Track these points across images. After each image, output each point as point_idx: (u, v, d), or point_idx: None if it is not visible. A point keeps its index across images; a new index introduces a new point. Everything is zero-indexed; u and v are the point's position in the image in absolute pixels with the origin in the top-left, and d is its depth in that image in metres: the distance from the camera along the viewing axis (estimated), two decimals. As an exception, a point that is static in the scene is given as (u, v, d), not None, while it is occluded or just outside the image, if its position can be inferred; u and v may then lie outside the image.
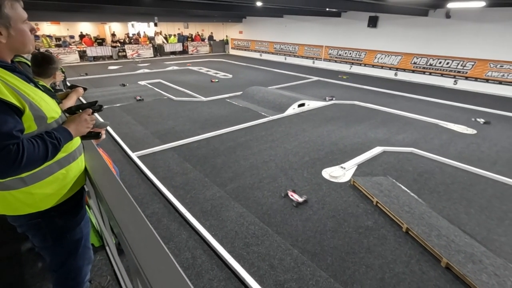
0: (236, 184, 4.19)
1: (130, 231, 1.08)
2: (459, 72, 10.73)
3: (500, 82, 9.82)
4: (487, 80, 10.12)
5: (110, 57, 17.82)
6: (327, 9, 11.76)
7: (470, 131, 6.38)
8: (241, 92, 9.13)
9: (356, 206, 3.72)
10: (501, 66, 9.71)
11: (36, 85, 1.38)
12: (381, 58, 12.94)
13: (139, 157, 4.91)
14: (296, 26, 16.28)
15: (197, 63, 16.64)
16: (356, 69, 13.97)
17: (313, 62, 15.94)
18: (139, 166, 4.61)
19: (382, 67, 13.01)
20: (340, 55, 14.56)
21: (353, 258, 2.90)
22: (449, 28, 10.58)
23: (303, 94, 8.96)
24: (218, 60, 17.92)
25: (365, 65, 13.63)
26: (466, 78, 10.58)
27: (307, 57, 16.27)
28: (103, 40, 18.97)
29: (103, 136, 1.80)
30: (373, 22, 12.59)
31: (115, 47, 18.04)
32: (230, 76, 12.61)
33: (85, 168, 1.58)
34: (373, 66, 13.33)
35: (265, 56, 18.88)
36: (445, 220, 3.39)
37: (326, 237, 3.18)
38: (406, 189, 4.06)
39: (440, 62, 11.14)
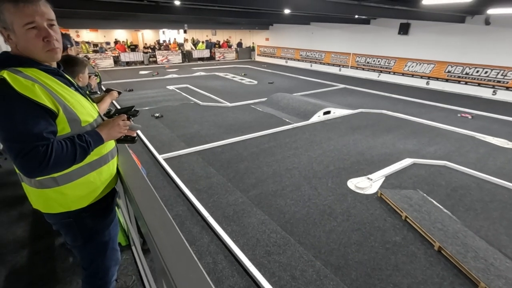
0: (258, 190, 4.16)
1: (158, 232, 1.09)
2: (499, 82, 10.05)
3: (546, 94, 9.08)
4: (531, 91, 9.39)
5: (142, 63, 18.66)
6: (356, 16, 11.55)
7: (511, 144, 5.92)
8: (266, 99, 9.15)
9: (384, 220, 3.55)
10: (547, 76, 8.98)
11: (77, 88, 1.45)
12: (412, 66, 12.45)
13: (165, 160, 5.04)
14: (323, 33, 16.14)
15: (224, 69, 16.96)
16: (385, 77, 13.54)
17: (340, 70, 15.68)
18: (165, 168, 4.73)
19: (412, 75, 12.51)
20: (368, 62, 14.21)
21: (380, 275, 2.76)
22: (488, 35, 9.98)
23: (328, 102, 8.81)
24: (244, 67, 18.16)
25: (394, 73, 13.18)
26: (507, 88, 9.88)
27: (333, 64, 16.04)
28: (136, 46, 19.93)
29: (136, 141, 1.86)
30: (404, 29, 12.18)
31: (146, 53, 18.88)
32: (255, 82, 12.71)
33: (117, 171, 1.63)
34: (403, 74, 12.86)
35: (291, 63, 18.86)
36: (482, 241, 3.14)
37: (351, 250, 3.06)
38: (438, 204, 3.83)
39: (477, 71, 10.51)
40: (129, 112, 1.63)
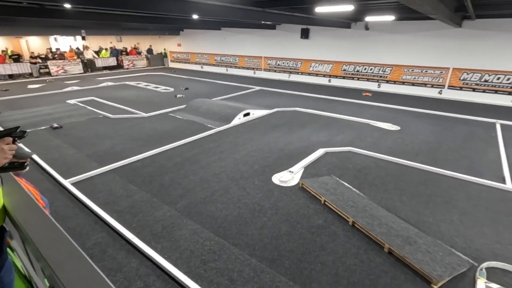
0: (187, 200, 4.03)
1: (66, 270, 0.95)
2: (381, 76, 12.16)
3: (413, 84, 11.41)
4: (403, 83, 11.66)
5: (30, 75, 15.81)
6: (262, 22, 12.31)
7: (395, 127, 7.24)
8: (185, 105, 8.92)
9: (307, 207, 3.89)
10: (412, 70, 11.31)
11: None
12: (315, 67, 13.97)
13: (74, 184, 4.40)
14: (235, 38, 16.64)
15: (135, 77, 15.78)
16: (295, 78, 14.82)
17: (254, 73, 16.44)
18: (74, 194, 4.12)
19: (317, 74, 14.04)
20: (278, 65, 15.30)
21: (309, 258, 3.01)
22: (369, 38, 11.96)
23: (247, 104, 9.14)
24: (158, 74, 17.27)
25: (302, 73, 14.54)
26: (387, 81, 12.04)
27: (248, 68, 16.70)
28: (19, 55, 16.78)
29: (27, 168, 1.57)
30: (305, 34, 13.56)
31: (35, 63, 16.08)
32: (172, 89, 12.24)
33: (3, 206, 1.35)
34: (309, 74, 14.30)
35: (207, 68, 18.84)
36: (383, 210, 3.75)
37: (282, 241, 3.25)
38: (348, 185, 4.40)
39: (365, 69, 12.49)
40: (14, 133, 1.36)
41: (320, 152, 5.59)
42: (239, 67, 17.16)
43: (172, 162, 5.23)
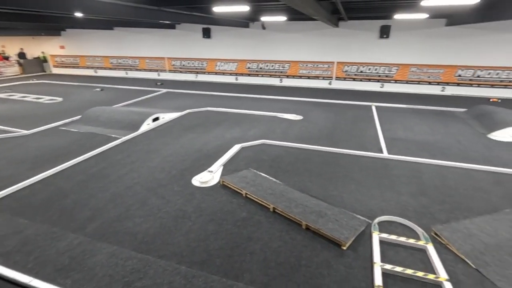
0: (98, 222, 3.58)
1: None
2: (281, 72, 13.27)
3: (308, 77, 12.89)
4: (300, 77, 13.03)
5: None
6: (160, 21, 11.73)
7: (299, 117, 8.06)
8: (80, 116, 7.80)
9: (230, 203, 3.98)
10: (306, 65, 12.74)
11: None
12: (221, 66, 14.20)
13: None
14: (133, 39, 15.36)
15: (4, 88, 12.82)
16: (203, 78, 14.73)
17: (159, 75, 15.58)
18: None
19: (224, 73, 14.30)
20: (184, 65, 14.91)
21: (238, 251, 3.10)
22: (267, 37, 12.86)
23: (155, 108, 8.63)
24: (38, 82, 14.48)
25: (209, 73, 14.57)
26: (287, 76, 13.24)
27: (151, 70, 15.70)
28: None
29: None
30: (207, 33, 13.59)
31: None
32: (60, 99, 10.48)
33: None
34: (216, 73, 14.44)
35: (102, 72, 16.83)
36: (298, 192, 4.16)
37: (210, 241, 3.25)
38: (266, 175, 4.69)
39: (267, 66, 13.39)
40: None
41: (236, 148, 5.77)
42: (140, 70, 15.96)
43: (73, 182, 4.53)
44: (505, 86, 10.54)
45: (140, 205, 3.93)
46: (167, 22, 12.78)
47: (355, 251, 3.11)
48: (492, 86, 10.66)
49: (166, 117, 7.83)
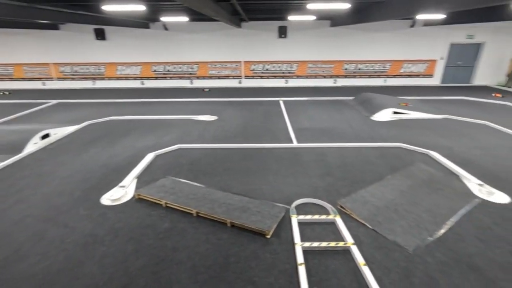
0: (-26, 274, 2.83)
1: None
2: (191, 73, 13.00)
3: (219, 77, 13.02)
4: (210, 77, 13.04)
5: None
6: (37, 20, 9.91)
7: (214, 118, 8.07)
8: None
9: (149, 216, 3.71)
10: (215, 65, 12.83)
11: None
12: (123, 70, 13.00)
13: None
14: (3, 42, 12.55)
15: None
16: (102, 84, 13.18)
17: (44, 84, 13.21)
18: None
19: (127, 78, 13.13)
20: (76, 71, 13.03)
21: (164, 264, 2.93)
22: (172, 38, 12.36)
23: (43, 123, 7.30)
24: None
25: (109, 78, 13.14)
26: (198, 77, 13.06)
27: (32, 79, 13.17)
28: None
29: None
30: (100, 35, 12.19)
31: None
32: None
33: None
34: (118, 78, 13.14)
35: (-41, 85, 13.24)
36: (220, 192, 4.18)
37: (131, 262, 2.97)
38: (186, 180, 4.55)
39: (175, 67, 12.91)
40: None
41: (150, 157, 5.40)
42: (17, 79, 13.22)
43: None
44: (378, 76, 12.88)
45: (36, 240, 3.29)
46: (46, 21, 10.90)
47: (278, 237, 3.33)
48: (370, 76, 12.89)
49: (59, 132, 6.72)
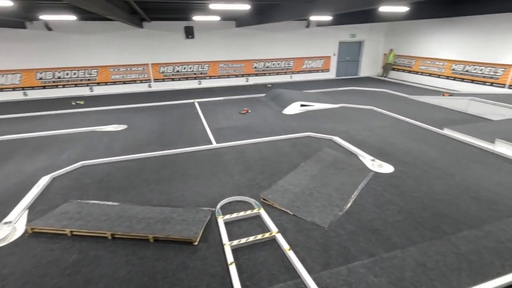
0: None
1: None
2: (89, 80, 11.49)
3: (124, 82, 11.90)
4: (114, 82, 11.81)
5: None
6: None
7: (122, 127, 7.34)
8: None
9: (50, 251, 3.13)
10: (118, 69, 11.66)
11: None
12: (-4, 79, 10.57)
13: None
14: None
15: None
16: (-36, 99, 10.43)
17: None
18: None
19: (1, 89, 10.73)
20: None
21: (75, 303, 2.52)
22: (59, 39, 10.62)
23: None
24: None
25: (-25, 91, 10.48)
26: (98, 84, 11.63)
27: None
28: None
29: None
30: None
31: None
32: None
33: None
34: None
35: None
36: (137, 206, 3.84)
37: (29, 312, 2.45)
38: (94, 201, 4.01)
39: (67, 74, 11.18)
40: None
41: (44, 180, 4.55)
42: None
43: None
44: (285, 73, 13.94)
45: None
46: None
47: (206, 241, 3.26)
48: (278, 73, 13.83)
49: None
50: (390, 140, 6.12)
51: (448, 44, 11.37)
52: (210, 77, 12.93)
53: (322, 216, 3.64)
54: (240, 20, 11.63)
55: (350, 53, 14.64)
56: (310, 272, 2.78)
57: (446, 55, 11.50)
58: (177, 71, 12.41)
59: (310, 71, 14.28)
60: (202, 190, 4.31)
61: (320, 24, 13.12)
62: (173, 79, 12.48)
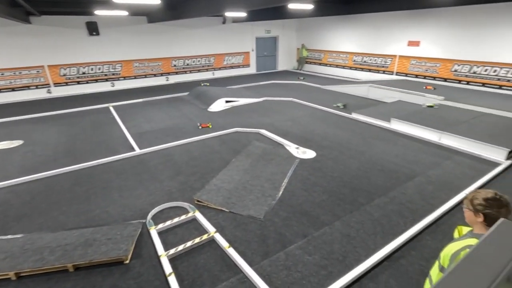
0: None
1: None
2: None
3: (13, 89, 9.91)
4: (0, 90, 9.73)
5: None
6: None
7: (17, 143, 6.13)
8: None
9: None
10: (2, 74, 9.63)
11: None
12: None
13: None
14: None
15: None
16: None
17: None
18: None
19: None
20: None
21: None
22: None
23: None
24: None
25: None
26: (13, 89, 9.42)
27: None
28: None
29: None
30: None
31: None
32: None
33: None
34: None
35: None
36: (48, 234, 3.28)
37: None
38: (-14, 238, 3.26)
39: None
40: None
41: None
42: None
43: None
44: (207, 70, 13.74)
45: None
46: None
47: (140, 257, 3.01)
48: (199, 71, 13.53)
49: None
50: (310, 128, 6.67)
51: (348, 38, 12.93)
52: (125, 78, 11.83)
53: (257, 208, 3.74)
54: (152, 16, 10.88)
55: (267, 48, 15.30)
56: (251, 264, 2.83)
57: (348, 48, 13.07)
58: (83, 73, 10.95)
59: (231, 67, 14.40)
60: (129, 202, 3.94)
61: (236, 21, 13.29)
62: (79, 82, 10.96)
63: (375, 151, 5.39)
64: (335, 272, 2.75)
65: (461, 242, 1.41)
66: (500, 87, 8.61)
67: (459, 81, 9.50)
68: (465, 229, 1.60)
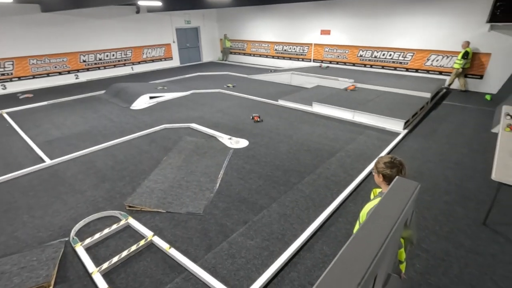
0: None
1: None
2: None
3: None
4: None
5: None
6: None
7: None
8: None
9: None
10: None
11: None
12: None
13: None
14: None
15: None
16: None
17: None
18: None
19: None
20: None
21: None
22: None
23: None
24: None
25: None
26: None
27: None
28: None
29: None
30: None
31: None
32: None
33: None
34: None
35: None
36: None
37: None
38: None
39: None
40: None
41: None
42: None
43: None
44: (124, 65, 12.56)
45: None
46: None
47: (66, 280, 2.66)
48: (115, 66, 12.28)
49: None
50: (241, 118, 6.78)
51: (268, 28, 13.39)
52: (19, 78, 9.98)
53: (196, 204, 3.67)
54: (46, 4, 9.32)
55: (190, 39, 14.76)
56: (195, 260, 2.79)
57: (269, 38, 13.55)
58: (-41, 75, 8.83)
59: (152, 61, 13.49)
60: (44, 222, 3.42)
61: (151, 10, 12.39)
62: (-46, 87, 8.82)
63: (301, 133, 5.80)
64: (276, 250, 2.92)
65: (373, 202, 1.66)
66: (395, 68, 10.15)
67: (365, 65, 10.85)
68: (378, 191, 1.88)
